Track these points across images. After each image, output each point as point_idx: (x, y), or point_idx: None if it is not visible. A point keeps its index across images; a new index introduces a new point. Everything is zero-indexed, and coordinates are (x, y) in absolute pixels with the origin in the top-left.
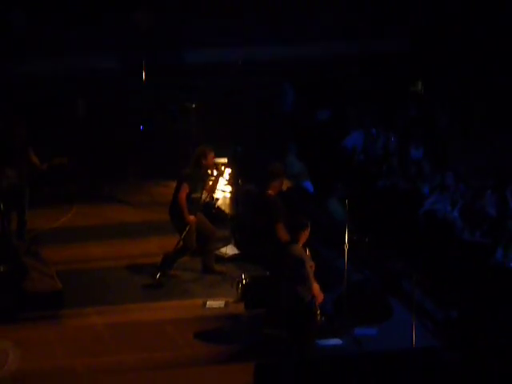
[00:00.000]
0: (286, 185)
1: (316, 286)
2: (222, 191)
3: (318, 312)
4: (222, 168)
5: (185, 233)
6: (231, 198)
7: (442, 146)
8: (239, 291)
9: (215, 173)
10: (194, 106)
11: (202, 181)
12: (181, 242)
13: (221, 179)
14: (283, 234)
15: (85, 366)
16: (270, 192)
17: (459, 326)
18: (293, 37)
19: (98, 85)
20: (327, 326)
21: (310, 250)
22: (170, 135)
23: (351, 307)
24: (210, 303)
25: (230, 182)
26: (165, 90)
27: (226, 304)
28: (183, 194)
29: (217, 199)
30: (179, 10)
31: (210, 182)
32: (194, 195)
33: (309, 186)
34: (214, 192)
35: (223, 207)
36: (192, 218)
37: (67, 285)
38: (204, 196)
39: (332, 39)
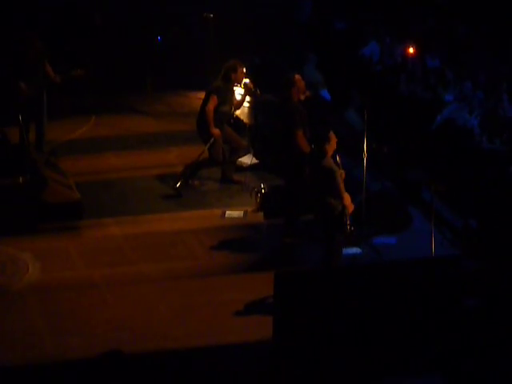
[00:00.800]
0: (305, 94)
1: (347, 197)
2: None
3: (348, 222)
4: (250, 84)
5: (209, 144)
6: (250, 107)
7: (459, 55)
8: (258, 201)
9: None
10: (212, 16)
11: (231, 94)
12: (205, 153)
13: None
14: (303, 141)
15: (104, 276)
16: (292, 100)
17: (478, 235)
18: None
19: None
20: (347, 236)
21: (340, 157)
22: (188, 45)
23: (370, 216)
24: (229, 213)
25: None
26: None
27: (245, 213)
28: (211, 106)
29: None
30: None
31: (239, 97)
32: (222, 108)
33: (326, 94)
34: (240, 107)
35: (242, 117)
36: (217, 130)
37: (86, 196)
38: (232, 110)
39: None
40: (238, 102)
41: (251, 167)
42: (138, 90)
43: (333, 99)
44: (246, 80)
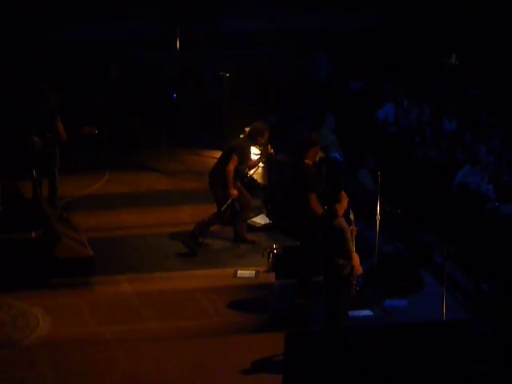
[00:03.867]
0: (319, 155)
1: (356, 258)
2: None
3: (355, 283)
4: (271, 149)
5: (225, 206)
6: (264, 167)
7: (474, 119)
8: (270, 261)
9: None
10: (227, 75)
11: (249, 154)
12: (218, 212)
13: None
14: (316, 204)
15: (114, 333)
16: (306, 161)
17: (490, 299)
18: (328, 6)
19: (132, 52)
20: (358, 298)
21: (354, 214)
22: (203, 104)
23: (382, 279)
24: (241, 272)
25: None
26: (199, 58)
27: (257, 273)
28: (231, 167)
29: (249, 168)
30: None
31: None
32: (239, 167)
33: (338, 157)
34: (254, 168)
35: (255, 177)
36: (235, 192)
37: (98, 252)
38: (246, 170)
39: (367, 9)
40: (253, 163)
41: (264, 227)
42: (153, 147)
43: (346, 160)
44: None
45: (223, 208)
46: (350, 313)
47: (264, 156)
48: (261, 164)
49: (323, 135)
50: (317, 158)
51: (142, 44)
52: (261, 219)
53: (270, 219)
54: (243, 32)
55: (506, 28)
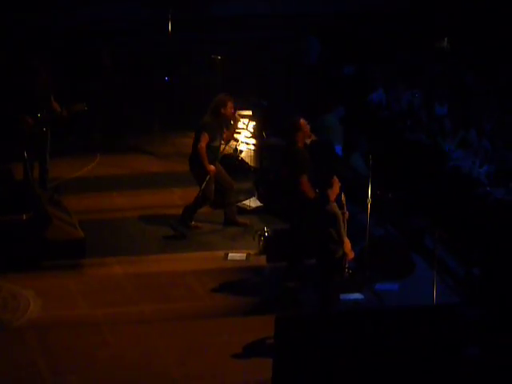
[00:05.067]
0: (310, 138)
1: (347, 243)
2: (246, 144)
3: (347, 266)
4: (239, 117)
5: (205, 183)
6: (255, 150)
7: (466, 103)
8: (261, 244)
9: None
10: (219, 58)
11: (221, 129)
12: (200, 192)
13: (242, 130)
14: (307, 186)
15: (105, 315)
16: (297, 144)
17: (481, 283)
18: None
19: (124, 35)
20: (349, 281)
21: (344, 197)
22: (195, 87)
23: (373, 262)
24: (232, 255)
25: (254, 134)
26: (191, 42)
27: (248, 256)
28: (203, 144)
29: (240, 151)
30: None
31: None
32: (213, 144)
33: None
34: (229, 142)
35: (247, 160)
36: (212, 167)
37: (89, 234)
38: (222, 145)
39: None
40: (226, 136)
41: (255, 210)
42: (145, 130)
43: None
44: (237, 114)
45: (203, 185)
46: (341, 296)
47: (235, 126)
48: (252, 146)
49: (328, 122)
50: (308, 141)
51: (133, 27)
52: (252, 202)
53: (261, 202)
54: (235, 16)
55: (498, 12)
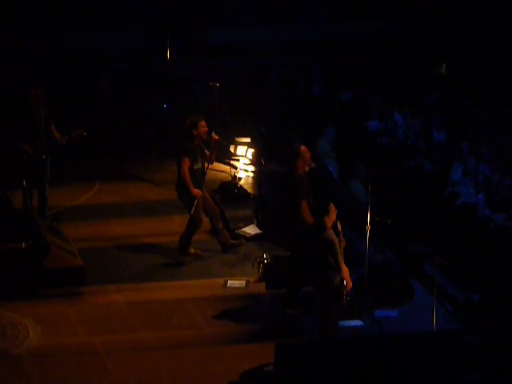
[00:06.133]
0: (310, 165)
1: (345, 269)
2: (245, 171)
3: (345, 293)
4: (215, 135)
5: (194, 208)
6: (254, 177)
7: (464, 129)
8: (260, 271)
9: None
10: (217, 85)
11: (201, 151)
12: (190, 219)
13: (241, 157)
14: (307, 213)
15: (104, 343)
16: (297, 171)
17: (480, 310)
18: (317, 17)
19: (122, 61)
20: (349, 308)
21: (341, 225)
22: (193, 114)
23: (372, 289)
24: (231, 282)
25: (253, 161)
26: (189, 69)
27: (247, 283)
28: (185, 168)
29: (239, 178)
30: None
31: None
32: (195, 167)
33: (332, 171)
34: (213, 161)
35: (246, 187)
36: (197, 191)
37: (88, 262)
38: (205, 166)
39: (356, 19)
40: (208, 156)
41: (254, 237)
42: (143, 157)
43: (340, 171)
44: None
45: (193, 211)
46: (341, 323)
47: (215, 144)
48: (251, 174)
49: (320, 146)
50: (307, 169)
51: (131, 54)
52: (251, 229)
53: (260, 229)
54: (232, 42)
55: (496, 38)
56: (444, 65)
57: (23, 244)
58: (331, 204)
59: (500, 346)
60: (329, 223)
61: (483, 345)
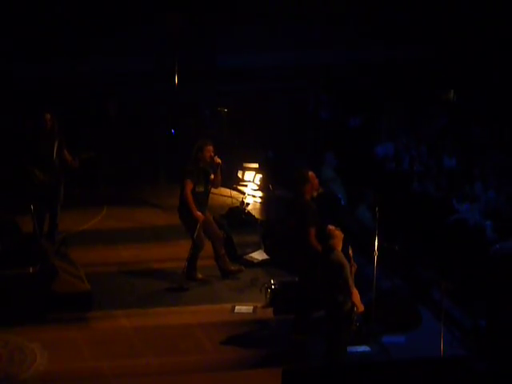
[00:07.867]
0: (318, 191)
1: (356, 293)
2: (253, 196)
3: (355, 318)
4: (218, 159)
5: (196, 231)
6: (262, 203)
7: (473, 156)
8: (268, 296)
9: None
10: (226, 110)
11: (205, 175)
12: (192, 243)
13: (249, 183)
14: (314, 239)
15: (112, 368)
16: (305, 196)
17: (488, 336)
18: (324, 43)
19: (130, 86)
20: (356, 333)
21: (352, 249)
22: (201, 139)
23: (380, 314)
24: (239, 308)
25: (261, 187)
26: (198, 93)
27: (255, 309)
28: (188, 190)
29: (247, 204)
30: (213, 14)
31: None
32: (198, 190)
33: (340, 196)
34: (218, 185)
35: (253, 212)
36: (199, 214)
37: (96, 287)
38: (207, 190)
39: (362, 46)
40: (213, 179)
41: (262, 263)
42: (151, 182)
43: (347, 197)
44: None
45: (195, 234)
46: (349, 348)
47: (218, 167)
48: (258, 200)
49: (324, 173)
50: (315, 194)
51: (139, 78)
52: (259, 255)
53: (267, 254)
54: (240, 67)
55: (504, 63)
56: (452, 91)
57: (31, 269)
58: (337, 228)
59: (506, 373)
60: (337, 245)
61: (490, 372)
